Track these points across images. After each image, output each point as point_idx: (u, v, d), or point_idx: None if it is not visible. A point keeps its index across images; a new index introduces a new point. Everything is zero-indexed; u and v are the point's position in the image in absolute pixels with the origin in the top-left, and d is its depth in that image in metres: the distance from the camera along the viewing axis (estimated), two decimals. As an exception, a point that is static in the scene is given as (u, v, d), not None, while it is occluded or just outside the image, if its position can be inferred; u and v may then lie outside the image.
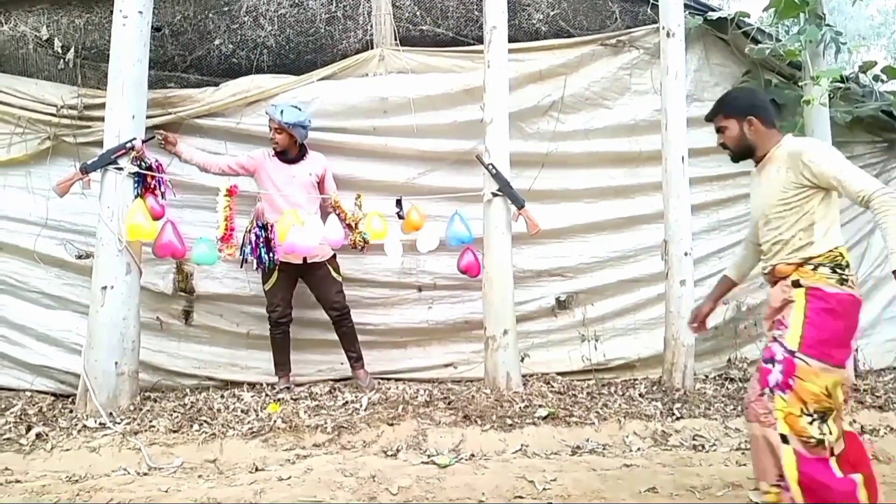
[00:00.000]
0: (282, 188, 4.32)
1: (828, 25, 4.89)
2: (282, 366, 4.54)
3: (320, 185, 4.52)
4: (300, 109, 4.34)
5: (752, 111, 2.73)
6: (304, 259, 4.38)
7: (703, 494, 3.21)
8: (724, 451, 3.78)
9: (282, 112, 4.26)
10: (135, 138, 4.05)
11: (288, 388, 4.50)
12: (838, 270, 2.55)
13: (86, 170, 4.04)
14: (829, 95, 4.78)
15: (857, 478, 2.45)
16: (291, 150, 4.41)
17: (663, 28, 4.60)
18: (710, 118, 2.89)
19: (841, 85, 4.93)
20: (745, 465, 3.57)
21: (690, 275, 4.54)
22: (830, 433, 2.46)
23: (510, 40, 4.54)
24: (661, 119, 4.60)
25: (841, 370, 2.49)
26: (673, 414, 4.13)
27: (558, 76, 4.91)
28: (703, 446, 3.84)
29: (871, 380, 4.81)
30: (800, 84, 4.95)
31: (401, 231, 4.50)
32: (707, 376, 4.94)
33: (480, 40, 4.64)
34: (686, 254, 4.52)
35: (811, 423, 2.45)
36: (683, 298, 4.50)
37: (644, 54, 5.00)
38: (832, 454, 2.46)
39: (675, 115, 4.54)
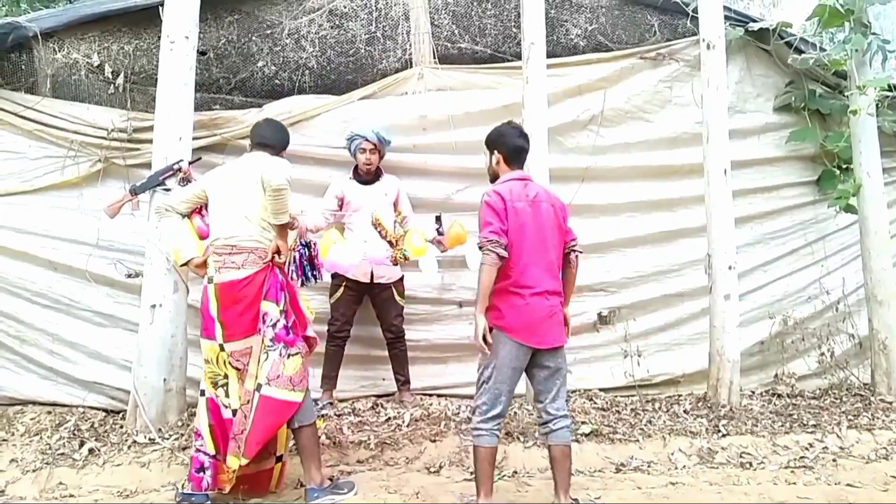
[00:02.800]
0: (360, 209, 4.43)
1: (874, 34, 4.81)
2: (328, 379, 4.58)
3: (394, 205, 4.61)
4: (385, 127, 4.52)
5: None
6: (372, 279, 4.46)
7: (751, 514, 3.16)
8: (772, 469, 3.71)
9: (375, 131, 4.40)
10: (181, 160, 4.15)
11: (331, 403, 4.54)
12: None
13: (135, 191, 4.15)
14: (877, 105, 4.70)
15: None
16: (375, 170, 4.54)
17: (703, 40, 4.57)
18: None
19: (888, 94, 4.84)
20: (794, 483, 3.51)
21: (735, 289, 4.48)
22: None
23: (548, 55, 4.56)
24: (702, 131, 4.57)
25: None
26: (719, 431, 4.07)
27: (597, 90, 4.90)
28: (751, 464, 3.78)
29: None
30: (846, 94, 4.88)
31: (445, 245, 4.49)
32: (753, 392, 4.86)
33: (519, 56, 4.67)
34: (730, 267, 4.46)
35: None
36: (728, 313, 4.43)
37: (684, 66, 4.97)
38: None
39: (716, 127, 4.50)
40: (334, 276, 4.53)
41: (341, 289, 4.51)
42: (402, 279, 4.64)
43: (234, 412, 3.34)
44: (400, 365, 4.67)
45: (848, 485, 3.48)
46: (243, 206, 3.38)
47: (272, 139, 3.64)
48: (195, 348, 4.52)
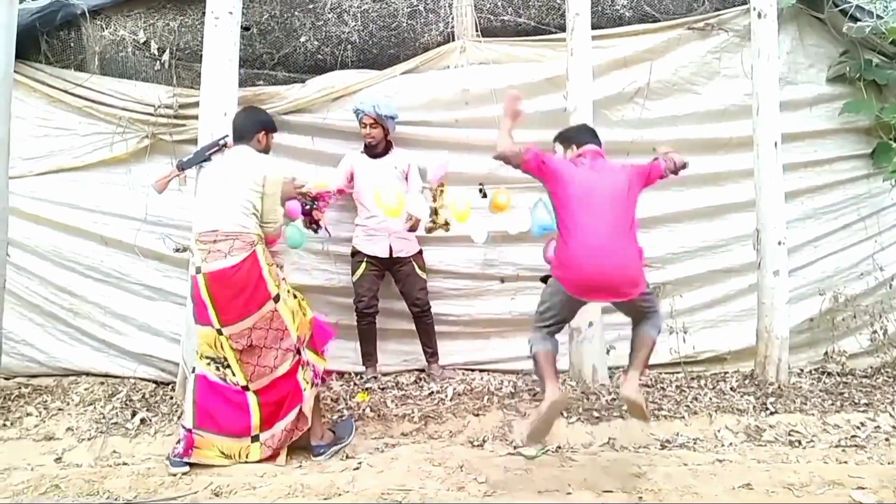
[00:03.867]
0: (371, 182, 4.43)
1: (935, -1, 4.62)
2: (368, 356, 4.64)
3: (406, 179, 4.61)
4: (388, 99, 4.49)
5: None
6: (391, 254, 4.47)
7: (801, 492, 3.10)
8: (822, 448, 3.65)
9: (375, 106, 4.39)
10: (227, 135, 4.17)
11: (375, 377, 4.59)
12: None
13: (182, 167, 4.19)
14: (937, 74, 4.52)
15: None
16: (380, 144, 4.54)
17: (754, 9, 4.44)
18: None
19: (949, 62, 4.65)
20: (845, 462, 3.44)
21: (784, 265, 4.38)
22: None
23: (593, 27, 4.47)
24: (752, 103, 4.45)
25: None
26: (766, 409, 4.01)
27: (643, 62, 4.79)
28: (800, 442, 3.72)
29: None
30: (904, 63, 4.70)
31: (488, 211, 4.52)
32: (802, 370, 4.77)
33: (563, 28, 4.59)
34: (780, 243, 4.36)
35: None
36: (777, 289, 4.35)
37: (734, 37, 4.83)
38: None
39: (767, 98, 4.38)
40: (354, 253, 4.59)
41: (363, 265, 4.55)
42: (420, 253, 4.65)
43: (244, 387, 3.50)
44: (427, 336, 4.69)
45: (901, 464, 3.41)
46: (227, 194, 3.48)
47: (241, 128, 3.74)
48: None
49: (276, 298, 3.47)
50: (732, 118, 4.83)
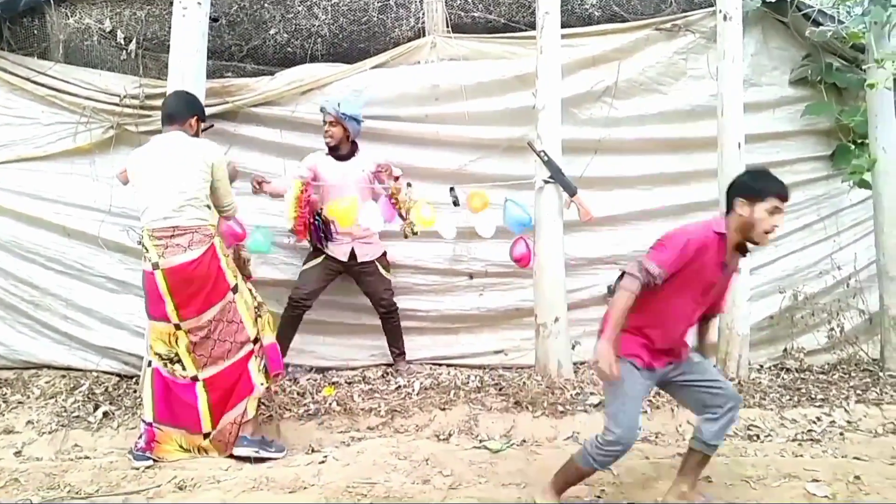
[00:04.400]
0: (336, 185, 4.37)
1: (893, 6, 4.71)
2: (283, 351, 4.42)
3: (372, 182, 4.54)
4: (357, 95, 4.41)
5: None
6: (354, 257, 4.43)
7: (758, 485, 3.19)
8: (779, 442, 3.73)
9: (339, 104, 4.32)
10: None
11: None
12: None
13: None
14: (895, 79, 4.62)
15: None
16: (343, 145, 4.45)
17: (720, 11, 4.50)
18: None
19: (907, 68, 4.76)
20: (801, 455, 3.52)
21: (745, 263, 4.45)
22: None
23: (563, 25, 4.50)
24: (717, 104, 4.52)
25: None
26: (727, 404, 4.08)
27: (612, 61, 4.85)
28: (759, 436, 3.79)
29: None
30: (863, 67, 4.81)
31: (466, 214, 4.50)
32: (762, 366, 4.86)
33: (533, 26, 4.61)
34: (742, 242, 4.43)
35: None
36: (738, 288, 4.42)
37: (700, 38, 4.90)
38: None
39: (731, 100, 4.45)
40: (315, 248, 4.48)
41: (320, 258, 4.44)
42: (385, 254, 4.59)
43: (194, 378, 3.48)
44: (394, 337, 4.65)
45: (855, 458, 3.49)
46: (177, 186, 3.38)
47: (174, 111, 3.59)
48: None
49: (235, 289, 3.47)
50: (698, 118, 4.90)
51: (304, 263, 4.52)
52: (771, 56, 5.07)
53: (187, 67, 4.17)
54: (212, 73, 4.53)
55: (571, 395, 4.12)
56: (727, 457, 3.48)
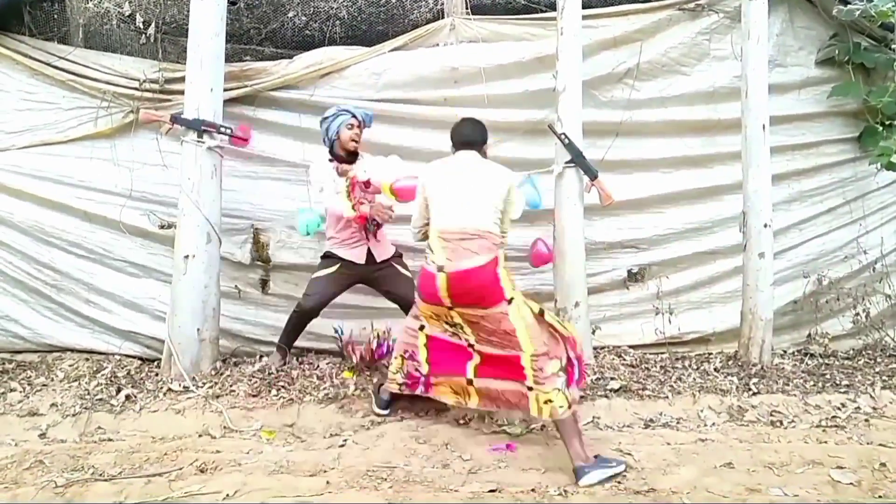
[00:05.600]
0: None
1: (925, -16, 4.61)
2: (286, 346, 4.43)
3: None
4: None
5: None
6: (371, 260, 4.30)
7: (781, 471, 3.15)
8: (803, 428, 3.68)
9: (361, 111, 4.24)
10: (231, 128, 4.28)
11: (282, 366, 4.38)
12: None
13: (174, 119, 4.20)
14: (925, 58, 4.53)
15: None
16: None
17: (745, -10, 4.42)
18: None
19: (938, 47, 4.66)
20: (825, 442, 3.48)
21: (770, 247, 4.40)
22: None
23: (584, 6, 4.44)
24: (741, 85, 4.45)
25: None
26: (749, 389, 4.04)
27: (634, 42, 4.77)
28: (782, 422, 3.75)
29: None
30: (892, 47, 4.71)
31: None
32: (785, 352, 4.82)
33: (553, 7, 4.55)
34: (766, 225, 4.37)
35: None
36: (762, 271, 4.37)
37: (724, 18, 4.81)
38: None
39: (756, 81, 4.37)
40: (329, 255, 4.33)
41: (334, 267, 4.29)
42: (400, 255, 4.45)
43: (471, 345, 3.50)
44: None
45: (880, 444, 3.44)
46: (480, 198, 3.45)
47: (471, 137, 3.69)
48: (228, 299, 4.61)
49: (510, 301, 3.36)
50: (721, 100, 4.83)
51: (316, 271, 4.37)
52: (797, 36, 4.97)
53: (206, 51, 4.17)
54: (230, 57, 4.53)
55: (592, 380, 4.10)
56: (750, 443, 3.45)
